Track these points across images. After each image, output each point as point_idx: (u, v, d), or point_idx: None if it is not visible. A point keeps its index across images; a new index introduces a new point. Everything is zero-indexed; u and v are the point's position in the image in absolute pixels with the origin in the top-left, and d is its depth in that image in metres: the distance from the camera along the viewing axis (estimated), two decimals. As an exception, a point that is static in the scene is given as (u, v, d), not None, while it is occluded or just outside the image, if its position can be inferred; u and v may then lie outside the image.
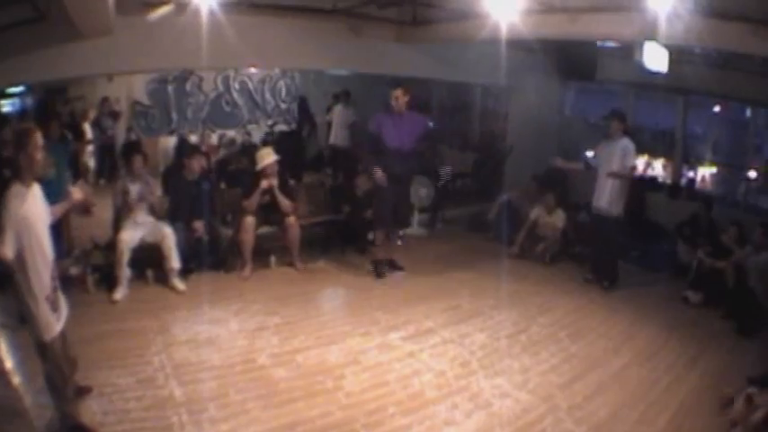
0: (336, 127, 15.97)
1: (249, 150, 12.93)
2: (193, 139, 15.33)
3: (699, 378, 6.69)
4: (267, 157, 9.27)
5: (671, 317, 8.39)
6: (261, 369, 6.42)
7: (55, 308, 4.76)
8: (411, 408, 5.81)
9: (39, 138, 4.62)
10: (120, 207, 8.50)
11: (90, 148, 14.07)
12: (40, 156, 4.62)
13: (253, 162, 9.59)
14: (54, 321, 4.73)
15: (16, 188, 4.53)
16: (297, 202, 9.64)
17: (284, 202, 9.25)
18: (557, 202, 10.74)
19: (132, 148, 9.74)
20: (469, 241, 11.93)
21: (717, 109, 13.31)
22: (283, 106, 18.28)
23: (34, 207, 4.65)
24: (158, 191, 8.92)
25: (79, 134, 13.09)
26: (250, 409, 5.64)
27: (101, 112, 14.71)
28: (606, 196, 9.01)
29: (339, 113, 15.97)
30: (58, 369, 4.86)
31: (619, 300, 8.90)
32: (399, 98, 8.96)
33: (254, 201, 9.07)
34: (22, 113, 14.01)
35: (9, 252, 4.38)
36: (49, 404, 5.04)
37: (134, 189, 8.44)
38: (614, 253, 9.38)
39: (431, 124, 10.16)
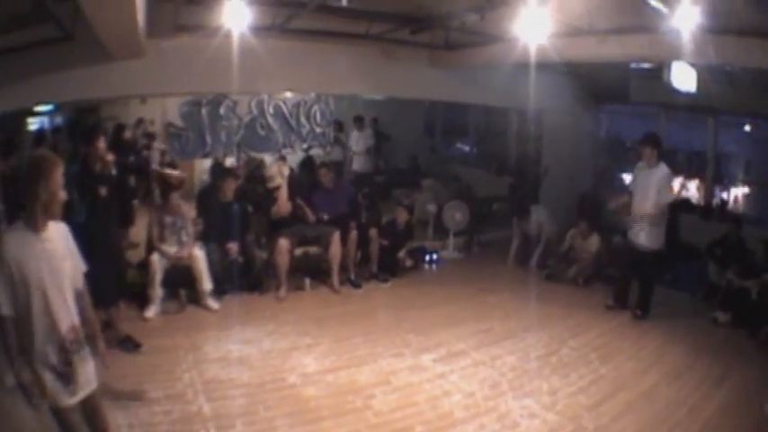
0: (356, 153, 16.21)
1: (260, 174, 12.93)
2: (229, 162, 15.46)
3: (725, 396, 6.64)
4: (279, 176, 9.42)
5: (700, 337, 8.31)
6: (291, 388, 6.48)
7: (66, 380, 3.87)
8: (439, 428, 5.82)
9: (60, 171, 3.76)
10: (156, 237, 8.61)
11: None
12: (61, 193, 3.76)
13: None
14: (62, 392, 3.87)
15: (16, 229, 3.76)
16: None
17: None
18: (591, 228, 10.70)
19: (169, 182, 9.77)
20: (503, 265, 11.89)
21: (747, 128, 13.19)
22: (318, 131, 18.26)
23: (39, 258, 3.73)
24: (192, 215, 9.11)
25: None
26: (278, 426, 5.69)
27: (135, 134, 14.84)
28: (644, 232, 8.75)
29: (356, 140, 16.22)
30: None
31: (649, 321, 8.82)
32: (325, 176, 10.17)
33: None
34: (39, 136, 14.09)
35: (4, 308, 3.63)
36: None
37: (169, 221, 8.63)
38: (651, 285, 9.12)
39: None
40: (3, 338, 3.69)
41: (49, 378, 3.79)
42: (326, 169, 10.28)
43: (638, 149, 9.07)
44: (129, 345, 7.05)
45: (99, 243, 6.42)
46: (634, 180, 9.04)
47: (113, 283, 7.07)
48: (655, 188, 8.56)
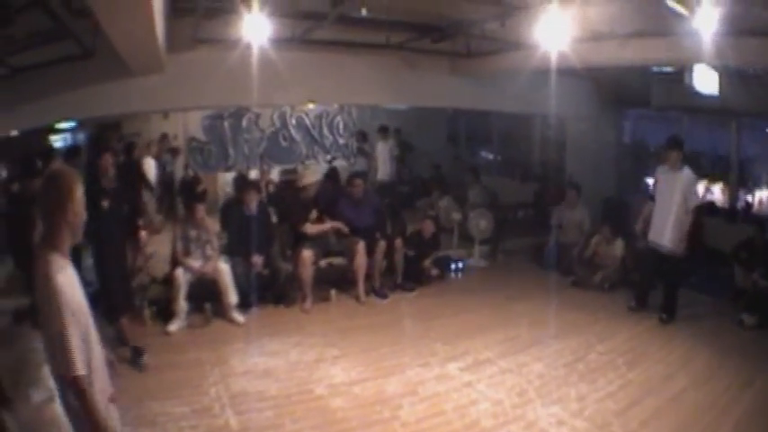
0: (380, 163, 16.14)
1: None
2: (253, 174, 15.49)
3: (753, 399, 6.57)
4: (312, 175, 9.43)
5: (727, 340, 8.23)
6: (318, 399, 6.47)
7: (115, 405, 3.47)
8: (466, 436, 5.79)
9: (80, 186, 3.25)
10: (181, 252, 8.61)
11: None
12: (83, 213, 3.24)
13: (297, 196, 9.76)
14: (118, 423, 3.48)
15: (55, 261, 3.09)
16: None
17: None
18: (614, 233, 10.64)
19: (194, 194, 9.80)
20: (530, 272, 11.86)
21: (768, 130, 13.05)
22: (341, 141, 18.39)
23: (79, 288, 3.23)
24: (216, 229, 9.20)
25: (137, 172, 13.05)
26: (305, 437, 5.69)
27: (160, 149, 14.86)
28: (668, 233, 8.69)
29: (381, 149, 16.16)
30: None
31: (676, 325, 8.75)
32: (358, 187, 9.97)
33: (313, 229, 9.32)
34: (73, 149, 14.03)
35: (82, 366, 3.04)
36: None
37: (193, 235, 8.66)
38: (675, 288, 9.03)
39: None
40: (82, 402, 3.06)
41: (114, 416, 3.41)
42: (359, 180, 10.16)
43: (663, 154, 8.99)
44: (137, 357, 7.04)
45: (104, 256, 6.61)
46: (656, 184, 9.02)
47: (121, 296, 7.15)
48: (680, 192, 8.52)
